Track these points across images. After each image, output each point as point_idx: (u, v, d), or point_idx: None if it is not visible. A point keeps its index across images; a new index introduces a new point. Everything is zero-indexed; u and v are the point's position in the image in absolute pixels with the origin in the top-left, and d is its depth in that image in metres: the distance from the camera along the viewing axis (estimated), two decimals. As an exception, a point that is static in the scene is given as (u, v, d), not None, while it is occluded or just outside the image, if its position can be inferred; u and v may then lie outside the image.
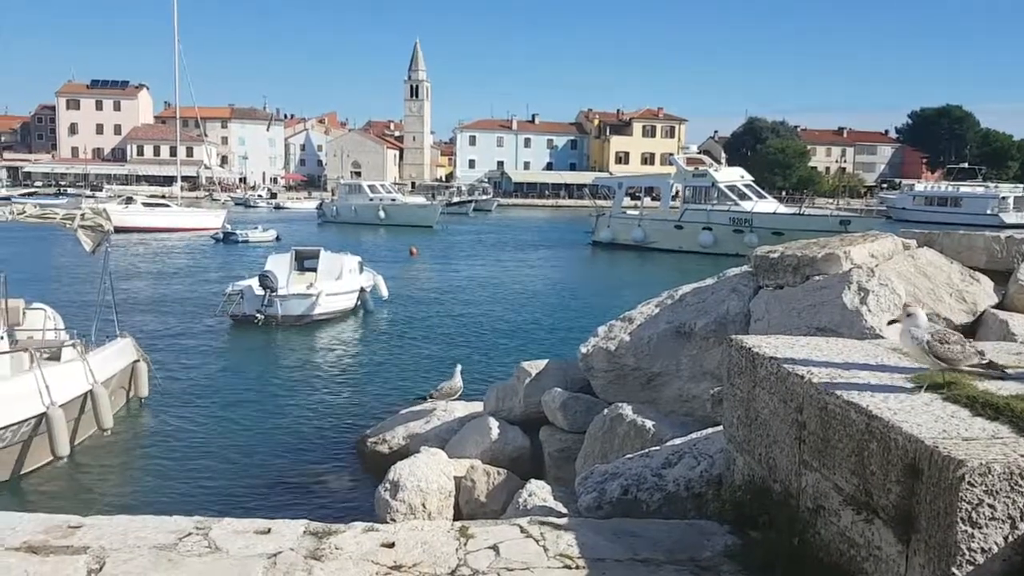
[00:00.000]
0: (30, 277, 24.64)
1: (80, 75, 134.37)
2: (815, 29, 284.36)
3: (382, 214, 62.82)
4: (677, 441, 5.67)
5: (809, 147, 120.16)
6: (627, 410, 7.24)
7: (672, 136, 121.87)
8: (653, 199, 53.25)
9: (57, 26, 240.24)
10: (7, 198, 73.54)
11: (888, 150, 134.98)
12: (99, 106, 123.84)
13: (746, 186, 44.79)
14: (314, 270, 21.70)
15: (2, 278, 10.99)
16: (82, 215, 12.91)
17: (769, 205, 43.85)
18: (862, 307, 6.07)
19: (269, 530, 4.04)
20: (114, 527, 4.05)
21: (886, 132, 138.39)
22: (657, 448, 5.77)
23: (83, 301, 18.78)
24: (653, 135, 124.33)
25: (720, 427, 4.98)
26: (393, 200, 65.97)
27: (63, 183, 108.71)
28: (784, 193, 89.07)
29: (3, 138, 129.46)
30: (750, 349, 4.22)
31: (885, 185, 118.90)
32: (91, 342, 12.38)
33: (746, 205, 42.82)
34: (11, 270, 12.45)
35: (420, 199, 73.60)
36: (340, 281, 21.38)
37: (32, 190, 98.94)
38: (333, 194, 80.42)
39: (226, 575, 3.57)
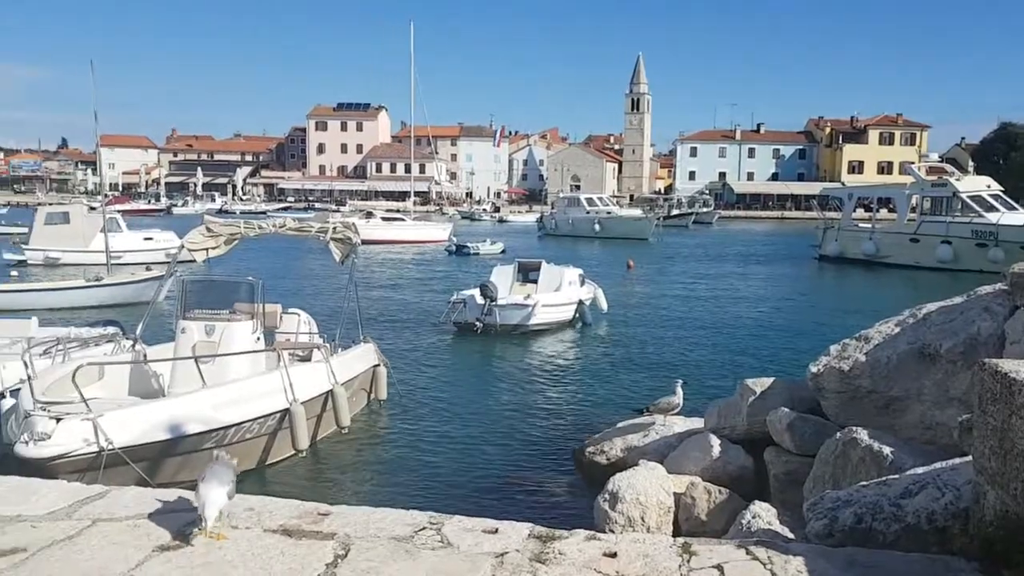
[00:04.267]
0: (285, 286, 27.26)
1: (327, 99, 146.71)
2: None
3: (597, 227, 63.36)
4: (919, 470, 5.27)
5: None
6: (863, 435, 6.82)
7: (912, 143, 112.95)
8: (890, 211, 49.60)
9: (308, 53, 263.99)
10: (264, 212, 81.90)
11: None
12: (343, 127, 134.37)
13: (993, 196, 40.44)
14: (535, 281, 22.31)
15: (260, 285, 11.97)
16: (334, 228, 13.69)
17: (1019, 217, 39.37)
18: None
19: (497, 530, 4.19)
20: (357, 517, 4.35)
21: None
22: (896, 476, 5.40)
23: (331, 308, 20.38)
24: (891, 143, 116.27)
25: (967, 457, 4.58)
26: (609, 213, 66.34)
27: (311, 198, 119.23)
28: (1046, 205, 79.84)
29: (261, 157, 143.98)
30: (1006, 374, 3.86)
31: None
32: (337, 345, 13.35)
33: (992, 217, 38.70)
34: (268, 279, 13.70)
35: (636, 212, 73.40)
36: (558, 293, 21.78)
37: (285, 205, 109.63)
38: (552, 207, 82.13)
39: (457, 570, 3.74)
